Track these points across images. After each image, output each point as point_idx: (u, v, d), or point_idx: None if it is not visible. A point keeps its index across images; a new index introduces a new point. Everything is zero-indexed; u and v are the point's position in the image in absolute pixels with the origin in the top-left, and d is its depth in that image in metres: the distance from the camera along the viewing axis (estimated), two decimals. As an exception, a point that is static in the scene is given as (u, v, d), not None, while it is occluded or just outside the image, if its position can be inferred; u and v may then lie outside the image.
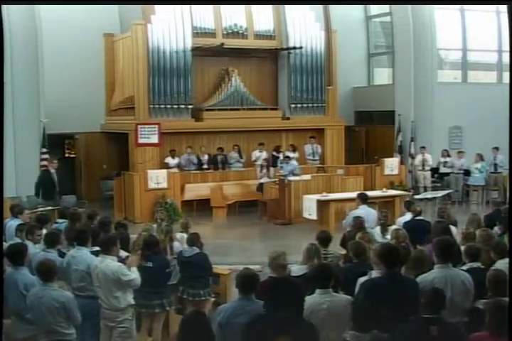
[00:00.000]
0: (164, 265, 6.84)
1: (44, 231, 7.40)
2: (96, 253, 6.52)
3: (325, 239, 6.93)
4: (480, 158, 16.57)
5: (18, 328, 5.72)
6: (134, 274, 6.08)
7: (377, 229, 8.32)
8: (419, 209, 8.90)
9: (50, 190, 13.53)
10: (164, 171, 15.07)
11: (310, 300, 4.80)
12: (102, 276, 5.99)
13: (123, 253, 6.77)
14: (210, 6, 16.82)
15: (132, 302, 6.16)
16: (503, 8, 16.92)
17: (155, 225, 8.59)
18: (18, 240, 6.98)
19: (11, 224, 8.17)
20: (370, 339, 4.28)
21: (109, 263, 6.04)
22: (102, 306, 6.09)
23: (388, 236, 7.76)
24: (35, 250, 6.77)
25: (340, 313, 4.88)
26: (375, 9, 21.67)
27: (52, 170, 13.86)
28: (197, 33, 16.68)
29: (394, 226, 8.17)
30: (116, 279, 5.96)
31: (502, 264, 5.51)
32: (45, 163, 15.05)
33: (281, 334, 4.03)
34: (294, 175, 15.01)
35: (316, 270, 5.16)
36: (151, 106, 16.13)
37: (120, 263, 6.14)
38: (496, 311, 4.16)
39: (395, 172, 17.10)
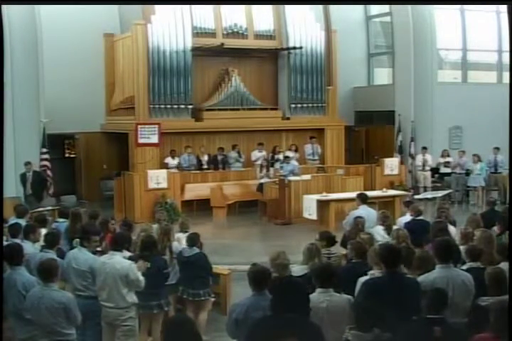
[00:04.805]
0: (162, 265, 6.82)
1: (43, 230, 7.40)
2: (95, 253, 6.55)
3: (330, 239, 6.96)
4: (477, 159, 16.54)
5: (18, 329, 5.72)
6: (140, 276, 6.16)
7: (377, 229, 8.31)
8: (418, 210, 8.89)
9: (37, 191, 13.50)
10: (164, 171, 15.06)
11: (310, 298, 4.81)
12: (111, 271, 6.00)
13: (126, 253, 6.78)
14: (210, 6, 16.84)
15: (136, 301, 6.17)
16: (503, 8, 16.95)
17: (154, 225, 8.59)
18: (17, 240, 6.95)
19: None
20: (371, 338, 4.27)
21: (120, 259, 6.11)
22: (104, 305, 6.08)
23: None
24: (34, 250, 6.75)
25: (340, 313, 4.89)
26: (375, 9, 21.68)
27: (29, 173, 13.71)
28: (197, 33, 16.68)
29: (394, 227, 8.17)
30: (125, 275, 6.00)
31: (505, 266, 5.51)
32: (45, 163, 15.07)
33: (287, 334, 4.02)
34: (294, 175, 15.01)
35: (317, 269, 5.18)
36: (151, 106, 16.14)
37: (131, 261, 6.22)
38: (499, 312, 4.15)
39: (395, 172, 17.10)
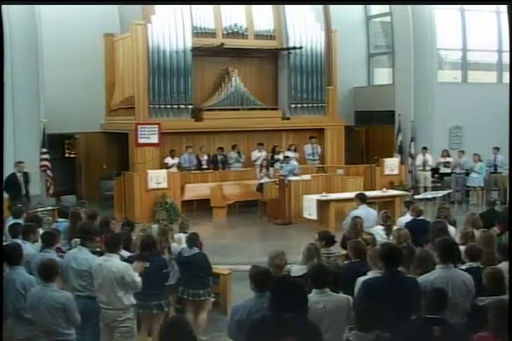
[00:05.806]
0: (161, 265, 6.79)
1: (41, 230, 7.40)
2: (95, 253, 6.54)
3: (329, 239, 6.96)
4: (477, 158, 16.58)
5: (17, 328, 5.71)
6: (137, 277, 6.11)
7: (377, 229, 8.31)
8: (419, 210, 8.88)
9: (16, 193, 13.05)
10: (164, 171, 15.06)
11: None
12: (107, 274, 5.96)
13: (125, 253, 6.77)
14: (210, 6, 16.84)
15: (134, 302, 6.15)
16: (503, 8, 16.94)
17: (154, 225, 8.59)
18: (17, 240, 6.95)
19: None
20: (372, 338, 4.27)
21: (116, 261, 6.06)
22: (102, 307, 6.06)
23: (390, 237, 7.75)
24: (33, 250, 6.74)
25: (338, 312, 4.89)
26: (375, 9, 21.69)
27: (19, 174, 13.33)
28: (197, 33, 16.67)
29: (395, 227, 8.16)
30: (121, 277, 5.95)
31: (505, 266, 5.51)
32: (45, 162, 15.07)
33: (286, 334, 4.02)
34: (294, 175, 15.00)
35: (312, 270, 5.17)
36: (151, 106, 16.14)
37: (127, 263, 6.17)
38: (499, 311, 4.15)
39: (395, 172, 17.09)
